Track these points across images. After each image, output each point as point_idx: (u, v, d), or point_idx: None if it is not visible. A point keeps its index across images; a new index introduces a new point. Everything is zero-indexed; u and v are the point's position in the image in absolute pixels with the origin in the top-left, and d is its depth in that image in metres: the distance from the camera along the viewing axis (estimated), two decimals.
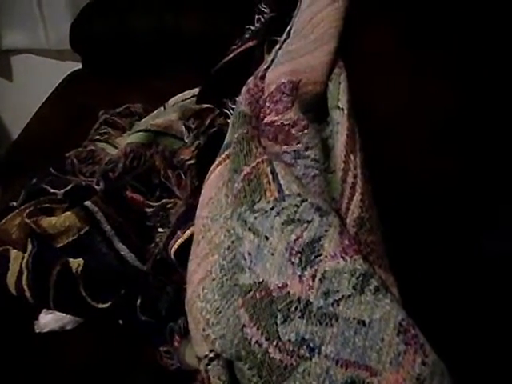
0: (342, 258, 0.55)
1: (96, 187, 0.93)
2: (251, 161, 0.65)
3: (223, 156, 0.72)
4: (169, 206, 0.87)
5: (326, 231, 0.57)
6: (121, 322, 0.81)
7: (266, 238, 0.58)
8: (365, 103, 0.83)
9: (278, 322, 0.54)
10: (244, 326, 0.56)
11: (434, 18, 0.85)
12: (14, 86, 1.99)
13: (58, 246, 0.83)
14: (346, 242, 0.56)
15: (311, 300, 0.54)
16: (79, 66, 1.65)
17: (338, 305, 0.53)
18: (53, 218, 0.83)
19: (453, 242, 0.76)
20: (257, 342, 0.55)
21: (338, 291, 0.54)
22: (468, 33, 0.79)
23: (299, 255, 0.56)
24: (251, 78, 0.80)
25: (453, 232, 0.77)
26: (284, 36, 0.91)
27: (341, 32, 0.84)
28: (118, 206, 0.87)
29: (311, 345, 0.52)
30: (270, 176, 0.63)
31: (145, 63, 1.50)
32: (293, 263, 0.56)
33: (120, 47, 1.53)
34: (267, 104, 0.75)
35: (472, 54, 0.78)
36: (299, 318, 0.53)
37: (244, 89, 0.78)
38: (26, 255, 0.83)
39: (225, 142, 0.75)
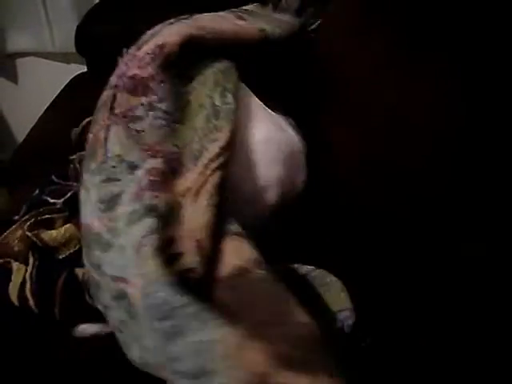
0: (131, 204, 0.70)
1: None
2: (94, 128, 0.78)
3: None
4: None
5: (128, 186, 0.71)
6: None
7: (89, 191, 0.73)
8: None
9: (87, 249, 0.71)
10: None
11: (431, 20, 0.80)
12: (19, 89, 1.97)
13: (60, 257, 0.82)
14: (139, 191, 0.71)
15: (102, 234, 0.69)
16: (84, 68, 1.62)
17: (114, 237, 0.68)
18: (53, 231, 0.83)
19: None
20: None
21: (117, 228, 0.68)
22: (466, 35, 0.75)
23: (104, 204, 0.71)
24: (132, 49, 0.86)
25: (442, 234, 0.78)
26: None
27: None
28: None
29: (99, 266, 0.68)
30: (102, 141, 0.75)
31: None
32: (99, 209, 0.71)
33: (125, 49, 1.48)
34: (132, 61, 0.82)
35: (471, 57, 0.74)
36: (95, 246, 0.69)
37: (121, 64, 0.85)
38: (29, 267, 0.80)
39: None
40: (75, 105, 1.35)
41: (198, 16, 0.92)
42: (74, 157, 1.01)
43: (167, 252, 0.65)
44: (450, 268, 0.73)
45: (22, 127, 1.66)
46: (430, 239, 0.77)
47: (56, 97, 1.48)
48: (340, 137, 0.92)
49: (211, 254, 0.68)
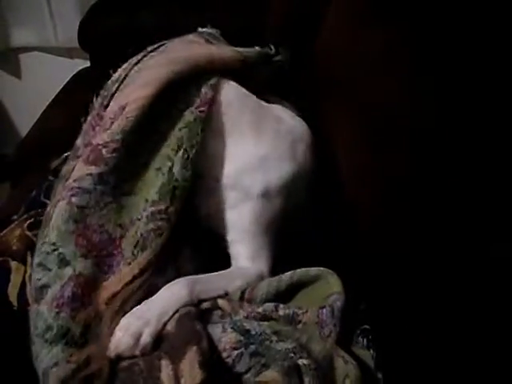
0: (49, 314, 0.66)
1: None
2: (52, 201, 0.76)
3: None
4: None
5: (54, 282, 0.68)
6: None
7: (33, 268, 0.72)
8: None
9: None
10: None
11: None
12: (23, 84, 1.95)
13: None
14: (59, 303, 0.67)
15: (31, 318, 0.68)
16: (87, 63, 1.60)
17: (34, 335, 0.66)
18: None
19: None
20: None
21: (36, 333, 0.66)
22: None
23: (33, 292, 0.69)
24: (95, 105, 0.83)
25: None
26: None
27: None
28: None
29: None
30: (49, 220, 0.72)
31: None
32: (31, 294, 0.70)
33: (128, 45, 1.46)
34: (96, 122, 0.79)
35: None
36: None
37: (89, 117, 0.83)
38: (29, 269, 0.78)
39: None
40: (78, 99, 1.32)
41: (169, 46, 0.87)
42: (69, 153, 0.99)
43: (82, 374, 0.62)
44: (479, 269, 0.71)
45: (25, 122, 1.66)
46: (458, 240, 0.74)
47: (59, 91, 1.46)
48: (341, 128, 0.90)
49: None
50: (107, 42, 1.48)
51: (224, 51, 0.87)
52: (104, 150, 0.73)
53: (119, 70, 0.85)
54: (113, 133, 0.74)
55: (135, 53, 0.94)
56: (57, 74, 1.55)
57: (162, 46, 0.89)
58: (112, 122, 0.74)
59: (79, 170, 0.74)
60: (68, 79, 1.51)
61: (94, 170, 0.73)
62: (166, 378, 0.59)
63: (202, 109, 0.78)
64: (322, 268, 0.74)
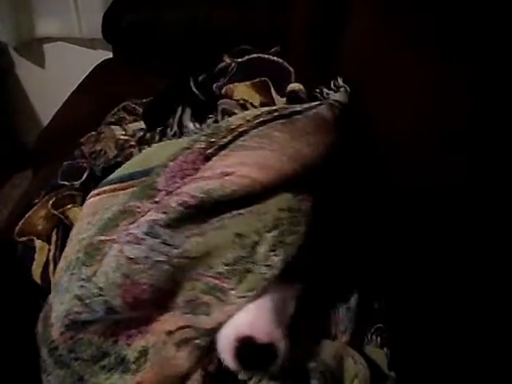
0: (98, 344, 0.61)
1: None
2: (107, 231, 0.61)
3: (106, 188, 0.70)
4: None
5: (98, 324, 0.60)
6: None
7: (63, 292, 0.62)
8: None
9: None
10: None
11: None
12: (46, 73, 1.96)
13: None
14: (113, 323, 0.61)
15: (59, 350, 0.61)
16: (110, 54, 1.60)
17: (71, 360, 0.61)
18: (78, 208, 0.79)
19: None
20: None
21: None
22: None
23: (70, 322, 0.60)
24: (195, 147, 0.63)
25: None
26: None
27: None
28: None
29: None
30: (100, 258, 0.60)
31: (175, 54, 1.43)
32: (63, 323, 0.60)
33: (151, 38, 1.48)
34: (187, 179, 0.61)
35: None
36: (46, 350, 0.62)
37: (182, 157, 0.62)
38: (52, 247, 0.78)
39: (119, 174, 0.71)
40: (100, 90, 1.35)
41: (301, 119, 0.66)
42: (83, 139, 1.00)
43: None
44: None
45: (47, 111, 1.65)
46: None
47: (82, 82, 1.46)
48: None
49: None
50: (130, 34, 1.48)
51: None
52: (174, 200, 0.58)
53: (237, 117, 0.68)
54: (200, 189, 0.57)
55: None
56: (80, 65, 1.54)
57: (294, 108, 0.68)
58: (204, 180, 0.58)
59: (147, 217, 0.59)
60: (91, 69, 1.51)
61: (151, 214, 0.59)
62: None
63: (306, 203, 0.62)
64: None
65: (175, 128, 0.81)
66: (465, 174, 0.67)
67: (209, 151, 0.61)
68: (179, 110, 0.84)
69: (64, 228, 0.79)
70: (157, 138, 0.83)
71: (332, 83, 0.82)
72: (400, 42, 0.79)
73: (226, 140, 0.62)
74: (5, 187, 1.98)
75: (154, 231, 0.57)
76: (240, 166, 0.58)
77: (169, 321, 0.61)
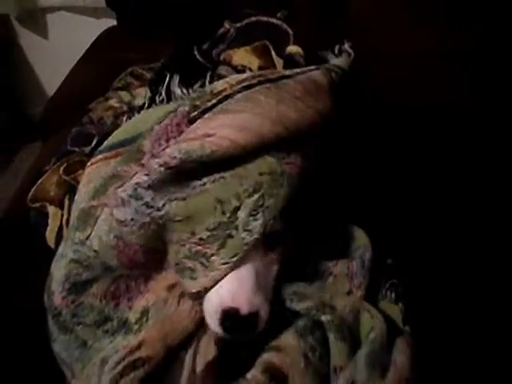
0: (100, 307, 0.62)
1: None
2: (98, 197, 0.63)
3: (99, 157, 0.71)
4: None
5: (103, 277, 0.61)
6: None
7: (61, 259, 0.62)
8: None
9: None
10: None
11: None
12: (50, 44, 1.94)
13: None
14: (114, 286, 0.62)
15: (63, 314, 0.62)
16: (114, 22, 1.58)
17: (74, 323, 0.62)
18: None
19: None
20: None
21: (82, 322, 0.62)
22: None
23: (70, 284, 0.61)
24: (179, 110, 0.62)
25: None
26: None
27: None
28: None
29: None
30: (93, 222, 0.61)
31: (179, 20, 1.41)
32: (64, 287, 0.61)
33: (155, 4, 1.45)
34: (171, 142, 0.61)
35: None
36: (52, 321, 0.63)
37: (167, 120, 0.62)
38: (65, 212, 0.78)
39: (110, 142, 0.72)
40: (106, 57, 1.33)
41: (288, 83, 0.64)
42: (91, 105, 1.00)
43: (130, 358, 0.58)
44: None
45: (52, 81, 1.65)
46: None
47: (86, 50, 1.45)
48: None
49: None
50: (133, 1, 1.47)
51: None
52: (155, 161, 0.58)
53: (223, 81, 0.67)
54: (179, 150, 0.57)
55: None
56: (83, 34, 1.53)
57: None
58: (185, 141, 0.58)
59: (133, 180, 0.60)
60: (95, 38, 1.49)
61: (137, 177, 0.59)
62: (188, 356, 0.58)
63: (292, 166, 0.61)
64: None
65: (163, 94, 0.81)
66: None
67: (193, 114, 0.61)
68: (167, 76, 0.84)
69: (76, 193, 0.77)
70: (146, 104, 0.83)
71: (337, 48, 0.80)
72: (410, 15, 0.79)
73: (209, 104, 0.62)
74: (14, 160, 1.99)
75: (137, 193, 0.58)
76: (221, 128, 0.58)
77: (167, 277, 0.62)
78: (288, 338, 0.58)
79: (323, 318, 0.59)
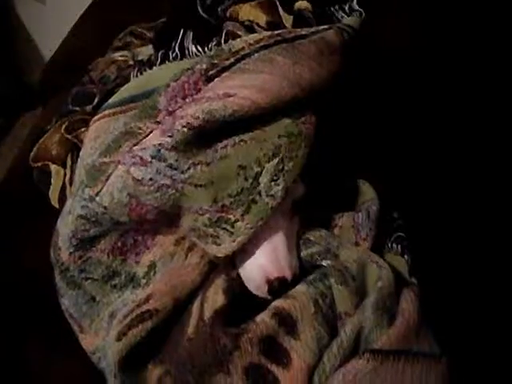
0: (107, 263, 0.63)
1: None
2: (110, 153, 0.61)
3: (106, 112, 0.69)
4: None
5: (109, 233, 0.62)
6: None
7: (68, 215, 0.63)
8: None
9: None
10: None
11: None
12: (46, 8, 1.89)
13: None
14: (121, 242, 0.63)
15: (70, 270, 0.64)
16: None
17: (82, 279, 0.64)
18: None
19: None
20: None
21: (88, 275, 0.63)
22: None
23: (77, 240, 0.62)
24: (197, 68, 0.61)
25: None
26: None
27: None
28: None
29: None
30: (105, 179, 0.60)
31: None
32: (71, 243, 0.62)
33: None
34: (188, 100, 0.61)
35: None
36: (60, 276, 0.64)
37: (184, 77, 0.61)
38: (68, 171, 0.78)
39: (119, 97, 0.69)
40: (104, 18, 1.30)
41: (304, 44, 0.63)
42: (91, 65, 0.97)
43: (138, 310, 0.58)
44: None
45: (49, 47, 1.62)
46: None
47: (84, 12, 1.40)
48: None
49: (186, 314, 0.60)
50: None
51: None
52: (179, 122, 0.57)
53: (240, 40, 0.66)
54: (202, 110, 0.57)
55: None
56: None
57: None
58: (207, 101, 0.58)
59: (152, 139, 0.59)
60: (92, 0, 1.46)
61: (157, 139, 0.59)
62: (195, 305, 0.59)
63: (307, 126, 0.61)
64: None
65: (176, 51, 0.80)
66: None
67: (211, 72, 0.61)
68: (181, 32, 0.82)
69: (78, 152, 0.75)
70: (158, 60, 0.81)
71: (347, 6, 0.78)
72: None
73: (227, 62, 0.61)
74: (14, 127, 1.97)
75: (161, 154, 0.57)
76: (241, 88, 0.58)
77: (176, 232, 0.62)
78: (298, 286, 0.58)
79: (324, 262, 0.60)
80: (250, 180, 0.58)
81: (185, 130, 0.56)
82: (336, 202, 0.69)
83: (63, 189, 0.77)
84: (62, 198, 0.76)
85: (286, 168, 0.58)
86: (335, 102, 0.68)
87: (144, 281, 0.61)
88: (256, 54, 0.61)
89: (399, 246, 0.66)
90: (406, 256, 0.65)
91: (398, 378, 0.51)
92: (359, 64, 0.75)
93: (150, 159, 0.57)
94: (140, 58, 0.92)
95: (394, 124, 0.78)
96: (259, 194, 0.58)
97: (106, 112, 0.69)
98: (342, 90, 0.67)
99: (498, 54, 0.79)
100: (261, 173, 0.58)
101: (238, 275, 0.61)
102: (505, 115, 0.75)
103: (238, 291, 0.59)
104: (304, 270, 0.62)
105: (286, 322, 0.54)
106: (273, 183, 0.58)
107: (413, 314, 0.54)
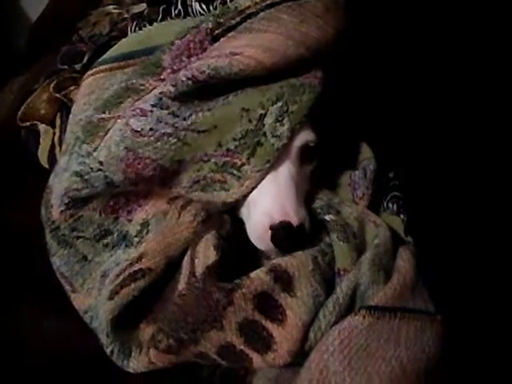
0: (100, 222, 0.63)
1: None
2: (110, 109, 0.60)
3: (102, 68, 0.67)
4: None
5: (98, 199, 0.61)
6: None
7: (61, 174, 0.61)
8: None
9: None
10: None
11: None
12: None
13: None
14: (113, 201, 0.62)
15: (61, 229, 0.63)
16: None
17: (72, 238, 0.63)
18: None
19: None
20: None
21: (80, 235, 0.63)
22: None
23: (69, 199, 0.61)
24: (202, 27, 0.60)
25: None
26: None
27: None
28: None
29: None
30: (103, 134, 0.59)
31: None
32: (63, 201, 0.61)
33: None
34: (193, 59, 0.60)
35: None
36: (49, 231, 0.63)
37: (189, 36, 0.60)
38: (57, 131, 0.77)
39: (117, 52, 0.67)
40: None
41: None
42: (80, 23, 0.95)
43: (131, 269, 0.57)
44: None
45: (36, 9, 1.58)
46: None
47: None
48: None
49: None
50: None
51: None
52: (183, 73, 0.56)
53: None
54: (208, 65, 0.56)
55: None
56: None
57: None
58: (212, 58, 0.57)
59: (159, 89, 0.59)
60: None
61: (160, 86, 0.58)
62: (184, 261, 0.57)
63: (312, 79, 0.60)
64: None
65: (179, 7, 0.77)
66: None
67: (216, 32, 0.59)
68: None
69: (67, 111, 0.74)
70: (160, 16, 0.79)
71: None
72: None
73: (233, 22, 0.60)
74: (2, 92, 1.93)
75: (162, 102, 0.57)
76: (247, 47, 0.57)
77: (170, 191, 0.61)
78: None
79: (327, 217, 0.59)
80: (254, 122, 0.57)
81: (189, 82, 0.55)
82: (335, 159, 0.68)
83: (52, 148, 0.76)
84: (52, 158, 0.75)
85: (290, 109, 0.58)
86: (339, 61, 0.66)
87: (136, 239, 0.60)
88: (262, 13, 0.60)
89: (395, 206, 0.66)
90: (401, 215, 0.65)
91: (394, 335, 0.51)
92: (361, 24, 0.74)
93: (150, 108, 0.57)
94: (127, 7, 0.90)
95: (392, 86, 0.77)
96: (264, 135, 0.57)
97: (102, 67, 0.67)
98: (346, 49, 0.66)
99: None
100: (265, 115, 0.57)
101: (230, 233, 0.60)
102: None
103: (229, 249, 0.58)
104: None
105: (282, 278, 0.52)
106: (278, 124, 0.57)
107: (409, 272, 0.54)
